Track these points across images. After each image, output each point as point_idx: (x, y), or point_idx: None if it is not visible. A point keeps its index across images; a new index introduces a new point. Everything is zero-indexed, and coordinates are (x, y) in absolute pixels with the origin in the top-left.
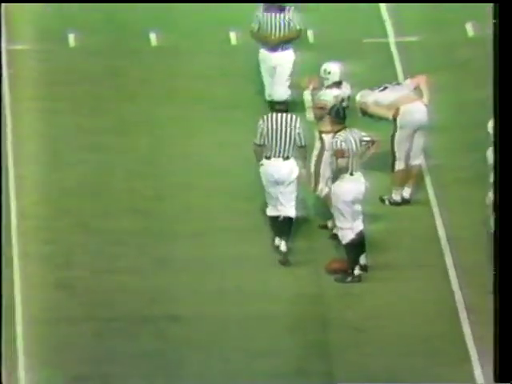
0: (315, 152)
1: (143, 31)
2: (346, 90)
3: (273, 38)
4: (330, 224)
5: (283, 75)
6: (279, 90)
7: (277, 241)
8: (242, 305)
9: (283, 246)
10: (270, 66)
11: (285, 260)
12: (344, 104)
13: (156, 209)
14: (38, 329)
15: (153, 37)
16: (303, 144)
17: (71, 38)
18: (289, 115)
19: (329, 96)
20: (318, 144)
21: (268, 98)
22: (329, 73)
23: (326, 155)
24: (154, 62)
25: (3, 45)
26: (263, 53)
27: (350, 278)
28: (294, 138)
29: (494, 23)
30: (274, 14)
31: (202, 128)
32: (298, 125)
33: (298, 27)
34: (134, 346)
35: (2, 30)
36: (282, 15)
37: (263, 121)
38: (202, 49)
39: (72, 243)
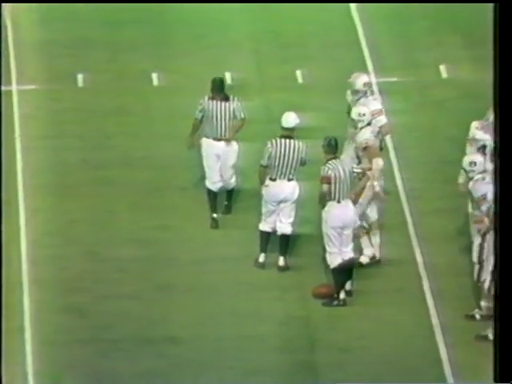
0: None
1: (146, 72)
2: (375, 128)
3: (227, 136)
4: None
5: (229, 164)
6: (224, 178)
7: (261, 257)
8: (235, 327)
9: (281, 262)
10: (214, 154)
11: (283, 269)
12: (379, 137)
13: (157, 238)
14: (48, 350)
15: (154, 77)
16: (306, 164)
17: (80, 79)
18: (296, 142)
19: (367, 134)
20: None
21: (210, 187)
22: (364, 115)
23: (367, 194)
24: (156, 100)
25: (14, 86)
26: (207, 141)
27: (336, 302)
28: (300, 161)
29: (494, 23)
30: (219, 102)
31: (200, 162)
32: (304, 150)
33: (242, 116)
34: (136, 366)
35: (1, 30)
36: (227, 104)
37: (271, 144)
38: (200, 88)
39: (79, 270)
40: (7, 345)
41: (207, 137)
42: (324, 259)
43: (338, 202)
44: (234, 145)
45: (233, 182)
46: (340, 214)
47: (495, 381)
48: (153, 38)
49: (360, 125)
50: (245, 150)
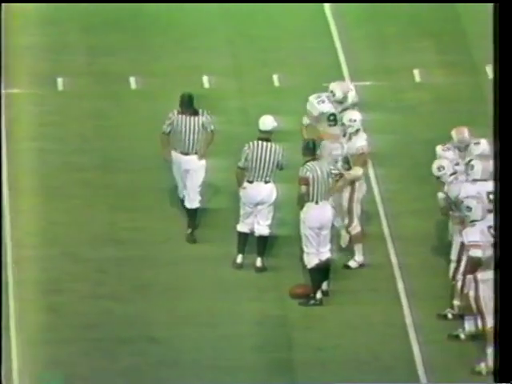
0: (346, 194)
1: (124, 76)
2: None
3: (195, 150)
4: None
5: (196, 181)
6: (191, 197)
7: (238, 258)
8: (213, 326)
9: (259, 262)
10: (182, 169)
11: (260, 270)
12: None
13: (135, 239)
14: (31, 349)
15: (132, 81)
16: (283, 168)
17: (60, 83)
18: (273, 144)
19: (363, 140)
20: (347, 185)
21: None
22: (354, 121)
23: (357, 195)
24: (134, 104)
25: (2, 90)
26: (175, 154)
27: (312, 302)
28: (276, 164)
29: (494, 21)
30: (188, 117)
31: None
32: (281, 153)
33: (212, 128)
34: (116, 365)
35: (2, 31)
36: (196, 118)
37: (248, 147)
38: (178, 92)
39: (61, 271)
40: None
41: (175, 150)
42: (301, 259)
43: (316, 203)
44: (203, 161)
45: (197, 202)
46: (318, 214)
47: (495, 381)
48: (131, 43)
49: (349, 130)
50: (223, 152)
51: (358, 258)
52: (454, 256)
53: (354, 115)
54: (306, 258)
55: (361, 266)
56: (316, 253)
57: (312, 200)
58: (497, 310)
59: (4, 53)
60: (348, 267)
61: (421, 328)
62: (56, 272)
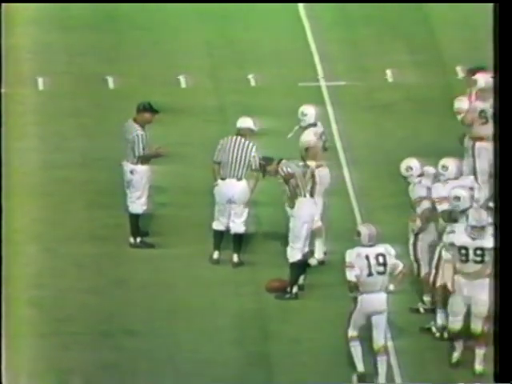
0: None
1: (101, 75)
2: (320, 128)
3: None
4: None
5: (138, 188)
6: (133, 205)
7: (215, 254)
8: (191, 320)
9: (235, 258)
10: (127, 179)
11: (237, 265)
12: (323, 138)
13: (113, 235)
14: (14, 343)
15: (110, 80)
16: (257, 168)
17: (40, 82)
18: (247, 141)
19: (310, 135)
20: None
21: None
22: (305, 115)
23: (319, 188)
24: (111, 103)
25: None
26: (123, 165)
27: (288, 296)
28: (249, 161)
29: (494, 21)
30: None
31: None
32: (254, 150)
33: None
34: (95, 358)
35: (2, 31)
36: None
37: (223, 140)
38: (155, 91)
39: (41, 266)
40: None
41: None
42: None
43: (305, 196)
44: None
45: (143, 209)
46: (310, 208)
47: (495, 381)
48: (108, 43)
49: (301, 124)
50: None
51: (318, 254)
52: (412, 256)
53: (307, 109)
54: (290, 251)
55: (321, 263)
56: (301, 248)
57: (301, 194)
58: (496, 310)
59: None
60: (308, 265)
61: (393, 321)
62: (36, 267)
